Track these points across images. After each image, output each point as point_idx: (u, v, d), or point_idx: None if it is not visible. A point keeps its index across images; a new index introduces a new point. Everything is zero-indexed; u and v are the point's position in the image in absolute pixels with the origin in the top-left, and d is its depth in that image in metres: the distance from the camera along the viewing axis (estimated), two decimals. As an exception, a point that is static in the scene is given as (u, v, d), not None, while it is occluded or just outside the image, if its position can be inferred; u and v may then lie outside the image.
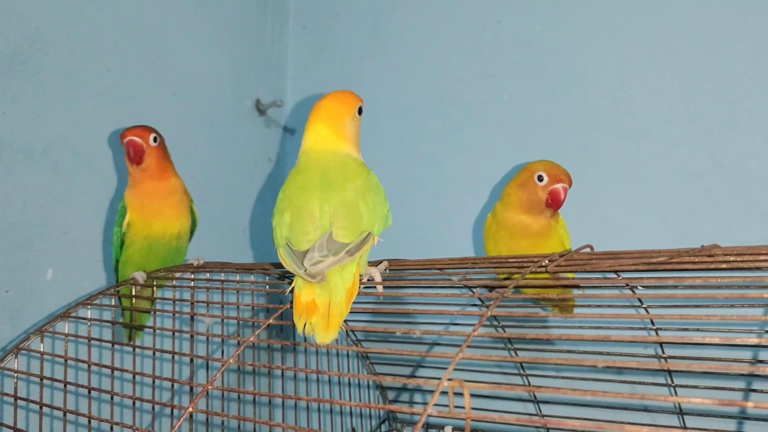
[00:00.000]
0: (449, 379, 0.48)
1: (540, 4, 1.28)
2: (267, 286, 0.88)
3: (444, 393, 0.48)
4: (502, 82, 1.30)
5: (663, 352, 0.92)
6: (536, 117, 1.27)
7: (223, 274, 0.88)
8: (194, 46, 1.34)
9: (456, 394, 0.48)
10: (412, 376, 1.22)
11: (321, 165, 0.71)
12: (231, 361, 0.58)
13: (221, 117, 1.40)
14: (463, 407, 0.48)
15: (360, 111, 0.80)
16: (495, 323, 1.03)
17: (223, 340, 1.02)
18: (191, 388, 0.76)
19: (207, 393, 0.56)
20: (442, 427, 1.08)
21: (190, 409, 0.55)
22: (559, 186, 0.94)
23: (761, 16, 1.09)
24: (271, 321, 0.63)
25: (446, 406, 0.48)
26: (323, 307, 0.60)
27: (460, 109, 1.35)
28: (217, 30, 1.39)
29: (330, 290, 0.62)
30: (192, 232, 1.03)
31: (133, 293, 0.82)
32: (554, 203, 0.94)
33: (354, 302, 0.64)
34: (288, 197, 0.69)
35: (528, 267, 0.61)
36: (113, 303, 0.83)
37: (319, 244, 0.63)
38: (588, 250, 0.68)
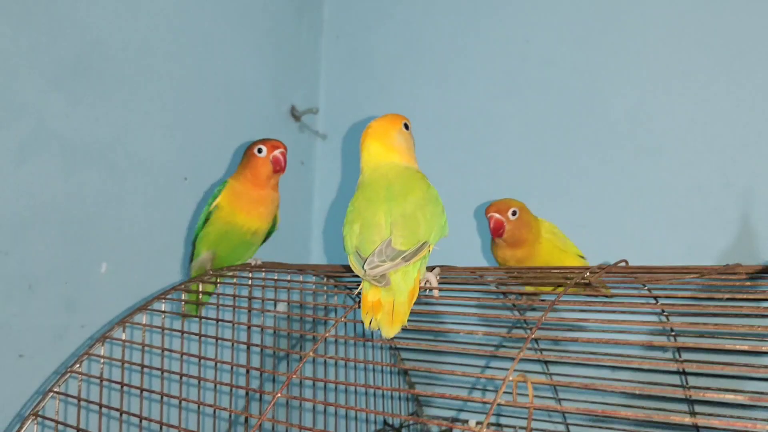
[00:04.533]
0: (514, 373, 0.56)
1: (566, 27, 1.35)
2: (326, 287, 0.96)
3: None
4: (528, 98, 1.38)
5: (680, 356, 1.00)
6: (559, 133, 1.35)
7: (276, 274, 0.96)
8: (237, 55, 1.41)
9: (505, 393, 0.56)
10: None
11: (386, 179, 0.78)
12: (311, 353, 0.65)
13: (259, 121, 1.47)
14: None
15: (406, 126, 0.86)
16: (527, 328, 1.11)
17: (289, 335, 1.10)
18: (261, 375, 0.83)
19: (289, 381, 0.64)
20: (466, 420, 1.17)
21: (279, 395, 0.62)
22: (490, 217, 1.02)
23: (774, 48, 1.17)
24: (342, 319, 0.71)
25: (510, 394, 0.56)
26: (388, 306, 0.68)
27: (487, 123, 1.42)
28: (256, 40, 1.46)
29: (393, 292, 0.69)
30: (269, 234, 1.11)
31: (201, 289, 0.90)
32: (493, 233, 1.02)
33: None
34: (357, 209, 0.77)
35: (572, 279, 0.69)
36: (183, 297, 0.91)
37: (378, 250, 0.70)
38: (624, 264, 0.76)
